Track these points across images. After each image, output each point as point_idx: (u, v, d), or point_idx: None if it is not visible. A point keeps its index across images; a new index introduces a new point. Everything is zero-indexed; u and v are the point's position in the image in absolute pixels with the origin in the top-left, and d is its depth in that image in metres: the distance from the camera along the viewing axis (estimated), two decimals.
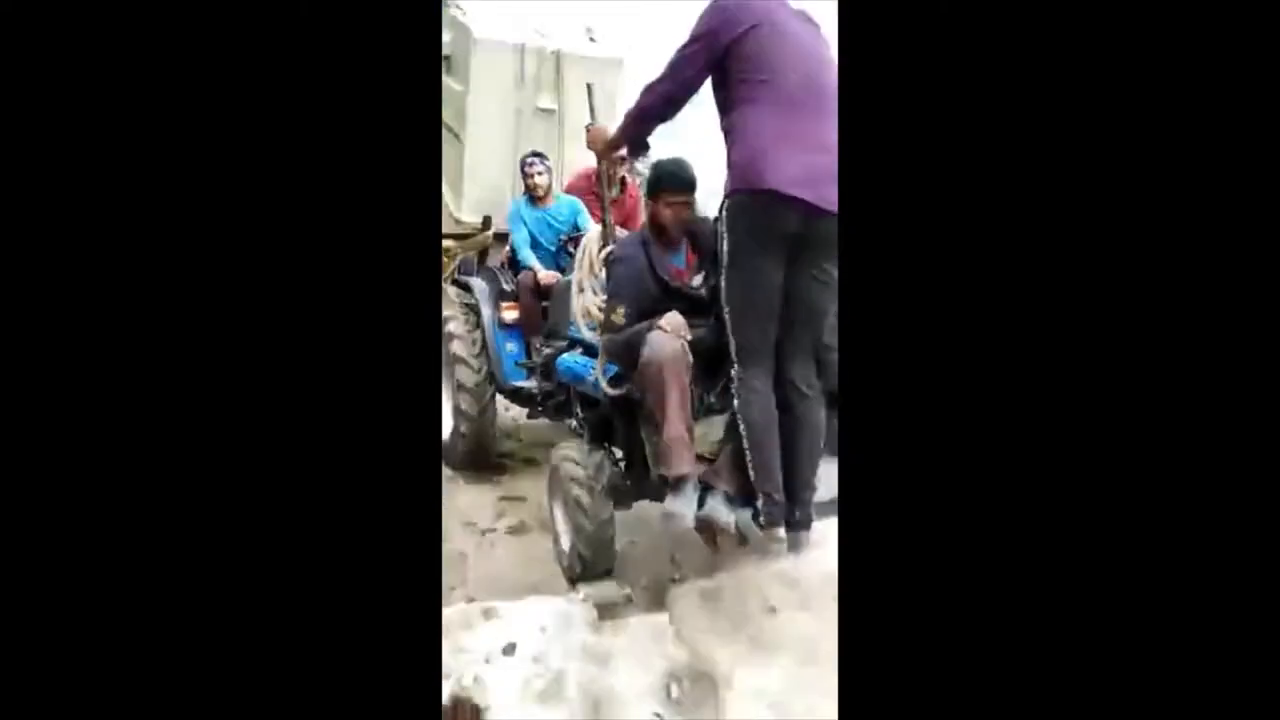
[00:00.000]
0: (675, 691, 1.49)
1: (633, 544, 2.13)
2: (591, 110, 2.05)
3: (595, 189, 2.58)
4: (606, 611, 1.77)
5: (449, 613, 1.75)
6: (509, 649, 1.59)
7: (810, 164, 1.44)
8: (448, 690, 1.42)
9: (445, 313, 2.80)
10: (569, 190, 3.04)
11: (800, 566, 1.85)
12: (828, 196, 1.45)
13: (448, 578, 1.96)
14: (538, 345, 2.75)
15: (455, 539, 2.19)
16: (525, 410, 2.94)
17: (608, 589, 1.86)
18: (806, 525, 1.64)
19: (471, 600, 1.80)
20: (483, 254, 3.26)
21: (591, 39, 3.56)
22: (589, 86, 2.15)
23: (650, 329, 1.64)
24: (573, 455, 1.94)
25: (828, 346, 1.67)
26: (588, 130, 1.93)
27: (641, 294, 1.77)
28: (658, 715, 1.43)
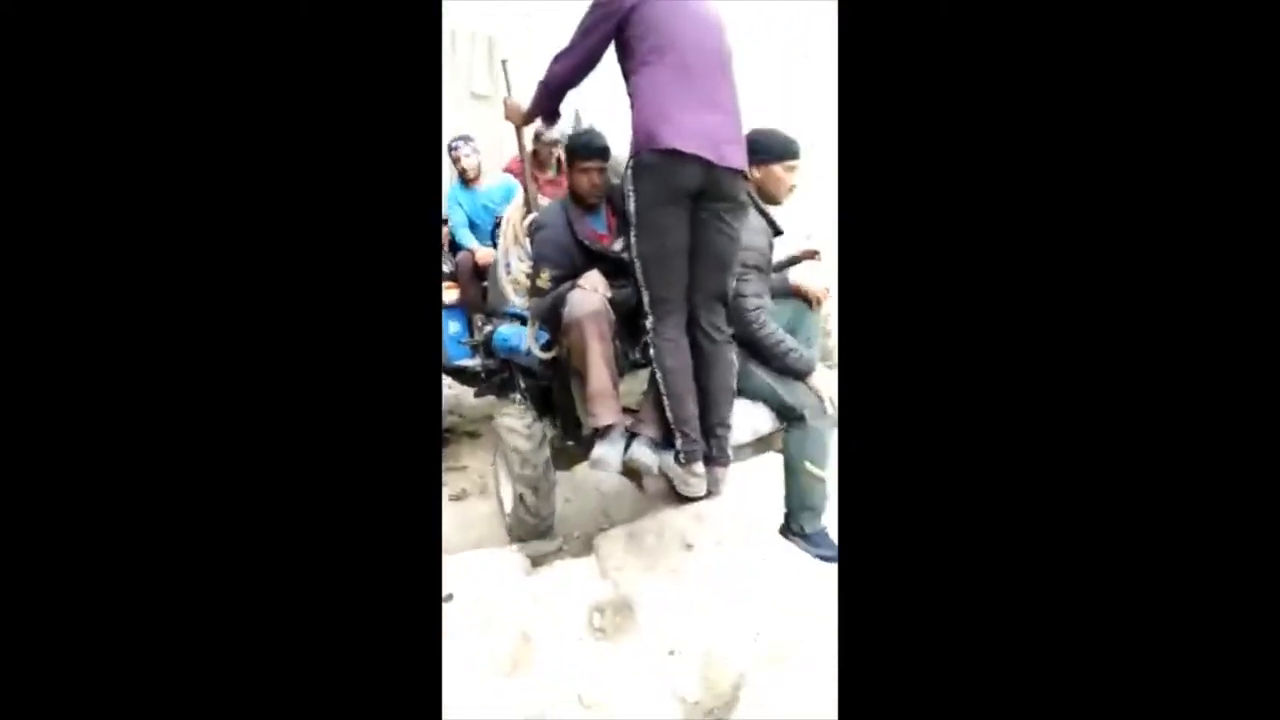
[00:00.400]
0: (598, 620, 1.64)
1: (568, 502, 2.27)
2: (507, 85, 2.14)
3: (532, 167, 2.66)
4: (540, 561, 1.92)
5: None
6: (447, 597, 1.72)
7: (708, 123, 1.54)
8: None
9: None
10: (509, 171, 3.12)
11: (714, 508, 2.03)
12: (726, 154, 1.55)
13: None
14: (479, 324, 2.83)
15: None
16: (472, 390, 3.01)
17: (541, 543, 2.00)
18: (724, 461, 1.75)
19: None
20: None
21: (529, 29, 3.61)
22: (504, 63, 2.24)
23: (572, 288, 1.73)
24: (514, 421, 2.03)
25: (738, 294, 1.78)
26: (505, 104, 2.00)
27: (565, 258, 1.85)
28: (580, 639, 1.58)
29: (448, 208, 3.02)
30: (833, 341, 2.25)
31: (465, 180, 2.99)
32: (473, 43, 3.23)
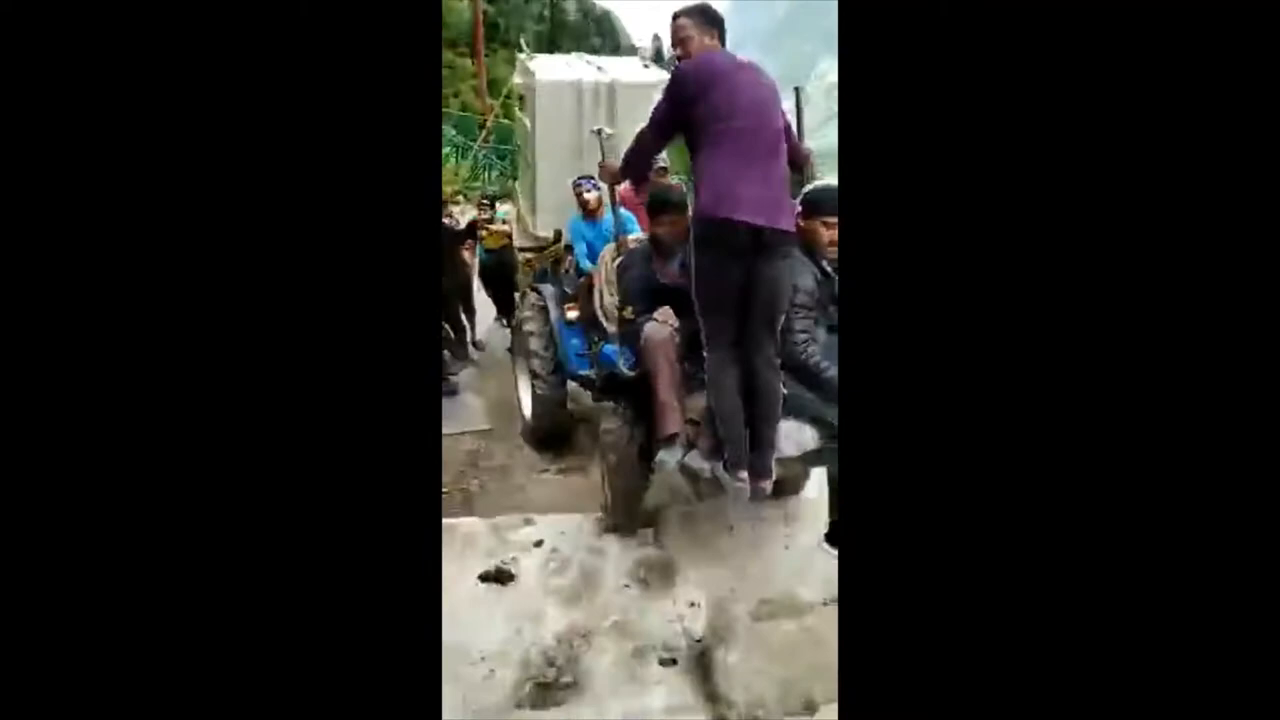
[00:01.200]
0: (643, 573, 2.12)
1: (651, 487, 2.75)
2: (602, 151, 2.63)
3: (639, 200, 3.16)
4: (610, 527, 2.43)
5: (502, 520, 2.50)
6: (538, 543, 2.30)
7: (759, 195, 1.85)
8: (492, 565, 2.15)
9: (525, 314, 3.53)
10: (623, 200, 3.65)
11: (767, 507, 2.40)
12: (773, 218, 1.87)
13: (508, 502, 2.72)
14: (595, 338, 3.39)
15: (517, 477, 2.96)
16: (590, 393, 3.56)
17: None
18: (767, 473, 2.00)
19: (521, 514, 2.54)
20: (556, 262, 3.96)
21: (645, 65, 4.13)
22: (598, 132, 2.73)
23: (648, 321, 2.16)
24: (610, 426, 2.41)
25: (787, 328, 2.05)
26: (600, 166, 2.44)
27: (645, 295, 2.27)
28: (627, 585, 2.07)
29: (571, 238, 3.63)
30: None
31: (587, 212, 3.57)
32: (596, 90, 3.80)
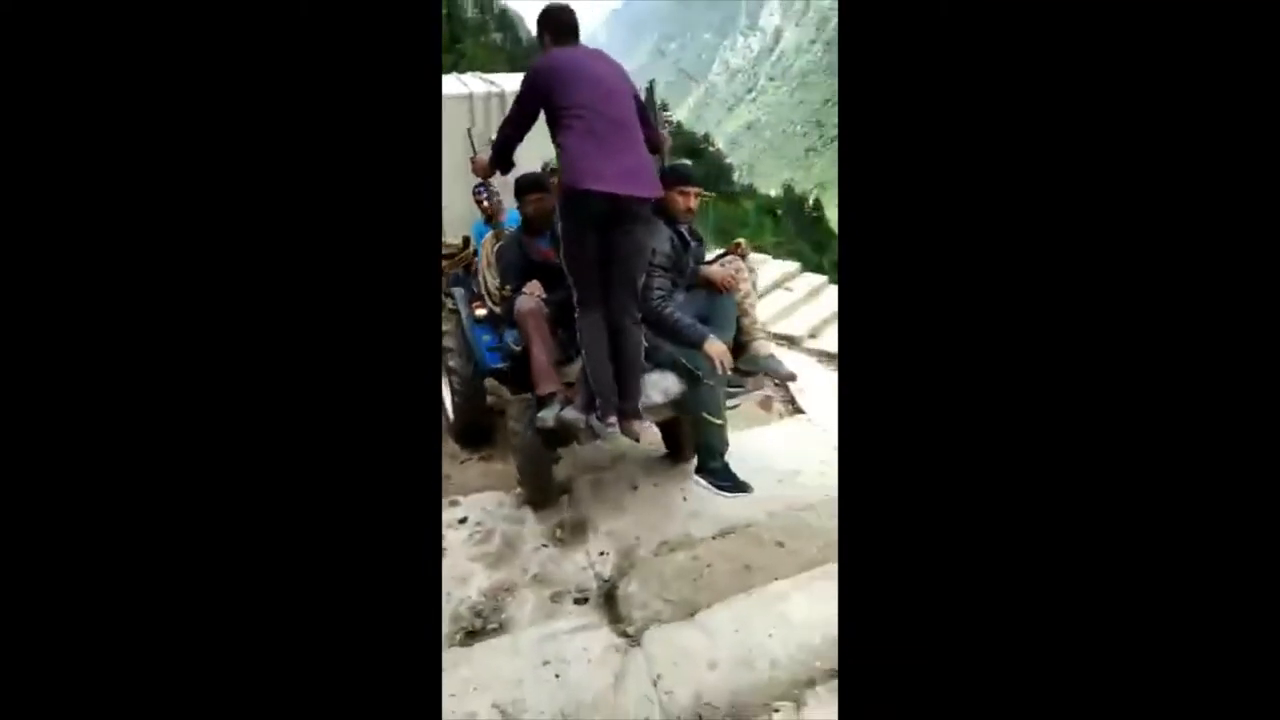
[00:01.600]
0: (559, 532, 2.41)
1: (562, 463, 3.03)
2: (472, 146, 2.88)
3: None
4: (526, 503, 2.70)
5: None
6: (463, 520, 2.55)
7: (616, 166, 2.07)
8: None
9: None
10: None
11: (657, 464, 2.74)
12: (630, 186, 2.08)
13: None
14: (503, 330, 3.62)
15: (442, 467, 3.18)
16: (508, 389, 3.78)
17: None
18: (636, 416, 2.21)
19: (446, 497, 2.76)
20: (467, 267, 4.15)
21: None
22: (469, 130, 2.97)
23: (520, 294, 2.45)
24: (518, 426, 2.60)
25: (646, 287, 2.28)
26: (471, 160, 2.69)
27: (520, 273, 2.55)
28: (545, 545, 2.36)
29: (476, 242, 3.84)
30: (756, 319, 2.75)
31: (488, 219, 3.79)
32: (487, 98, 4.03)
